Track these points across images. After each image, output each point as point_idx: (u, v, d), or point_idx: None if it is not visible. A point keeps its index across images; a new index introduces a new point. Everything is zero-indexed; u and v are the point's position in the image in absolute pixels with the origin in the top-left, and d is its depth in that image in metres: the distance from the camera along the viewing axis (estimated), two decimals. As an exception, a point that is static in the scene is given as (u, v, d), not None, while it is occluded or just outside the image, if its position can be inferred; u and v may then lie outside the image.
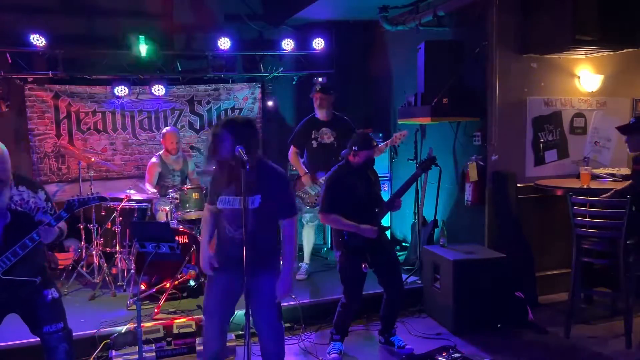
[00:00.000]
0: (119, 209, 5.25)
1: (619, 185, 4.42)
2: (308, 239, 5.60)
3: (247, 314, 2.82)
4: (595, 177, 4.95)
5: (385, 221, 4.24)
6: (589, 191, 4.51)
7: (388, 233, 5.00)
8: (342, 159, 4.10)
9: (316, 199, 5.30)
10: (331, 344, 4.08)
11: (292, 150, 5.44)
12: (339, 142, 5.20)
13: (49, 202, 3.18)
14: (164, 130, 5.78)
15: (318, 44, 6.70)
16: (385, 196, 4.46)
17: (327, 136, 5.31)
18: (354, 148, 3.92)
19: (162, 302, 4.60)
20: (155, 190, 5.36)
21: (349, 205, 3.88)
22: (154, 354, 3.96)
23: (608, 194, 4.22)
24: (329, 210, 3.89)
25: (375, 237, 3.87)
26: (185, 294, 4.92)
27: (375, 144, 4.04)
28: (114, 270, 5.38)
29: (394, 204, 4.06)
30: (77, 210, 3.16)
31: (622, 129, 4.47)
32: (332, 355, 4.00)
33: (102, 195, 3.27)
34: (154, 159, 5.67)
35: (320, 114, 5.31)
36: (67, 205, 3.09)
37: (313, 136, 5.33)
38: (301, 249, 5.77)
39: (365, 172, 4.02)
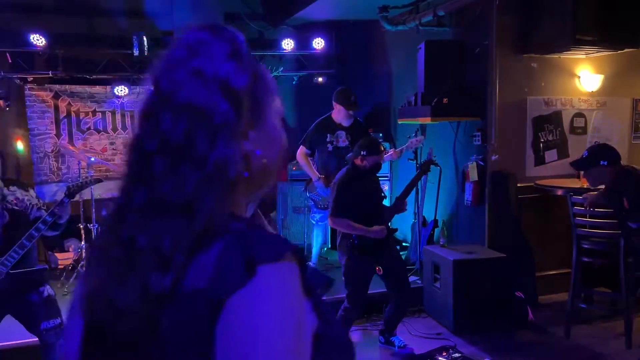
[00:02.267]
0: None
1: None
2: (317, 239, 5.60)
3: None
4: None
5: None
6: (589, 191, 4.50)
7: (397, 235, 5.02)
8: (348, 162, 4.10)
9: (327, 202, 5.30)
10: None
11: (302, 150, 5.33)
12: (353, 145, 5.20)
13: (39, 199, 3.26)
14: None
15: (318, 43, 6.70)
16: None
17: (342, 139, 5.24)
18: (362, 153, 3.92)
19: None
20: None
21: (358, 208, 3.88)
22: (154, 354, 3.96)
23: (596, 193, 4.19)
24: (340, 214, 3.88)
25: (384, 237, 3.88)
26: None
27: (383, 149, 4.05)
28: (114, 270, 5.38)
29: (399, 207, 4.06)
30: (77, 195, 3.28)
31: (576, 165, 4.09)
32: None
33: (98, 177, 3.43)
34: None
35: (340, 120, 5.23)
36: (68, 191, 3.18)
37: (328, 139, 5.23)
38: (309, 249, 5.77)
39: (371, 176, 4.04)
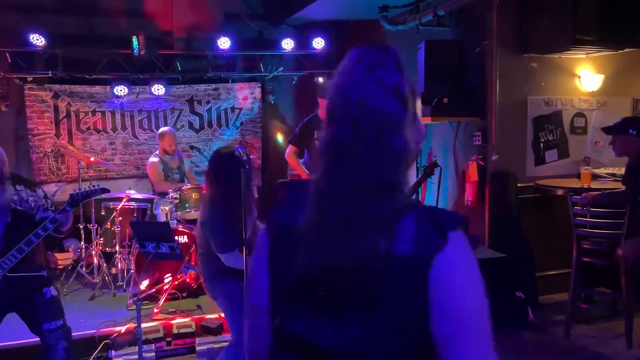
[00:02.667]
0: (118, 209, 5.25)
1: (617, 186, 4.41)
2: None
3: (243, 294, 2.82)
4: (596, 177, 4.95)
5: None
6: (590, 191, 4.50)
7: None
8: None
9: None
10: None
11: (291, 149, 5.43)
12: None
13: (47, 199, 3.21)
14: (162, 131, 5.78)
15: (318, 43, 6.70)
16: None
17: None
18: None
19: (162, 302, 4.60)
20: (171, 188, 5.25)
21: None
22: (153, 354, 3.96)
23: (597, 193, 4.20)
24: None
25: None
26: (185, 294, 4.92)
27: None
28: (113, 270, 5.38)
29: None
30: (81, 203, 3.22)
31: (607, 130, 4.25)
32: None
33: (104, 187, 3.34)
34: (154, 158, 5.68)
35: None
36: (71, 199, 3.13)
37: (316, 136, 5.33)
38: None
39: None
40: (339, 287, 1.05)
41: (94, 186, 3.28)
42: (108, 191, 3.45)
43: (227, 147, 3.45)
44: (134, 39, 5.88)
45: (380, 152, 1.07)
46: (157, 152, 5.75)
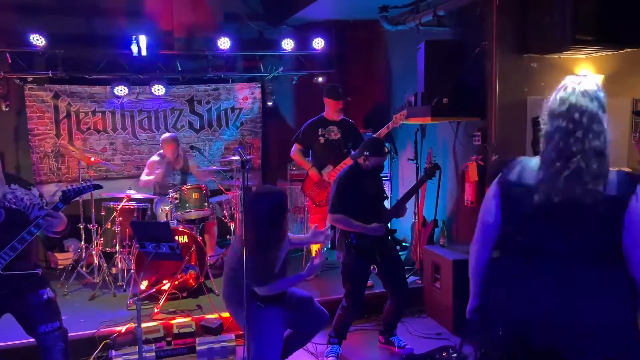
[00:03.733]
0: (119, 209, 5.25)
1: None
2: None
3: (247, 318, 2.82)
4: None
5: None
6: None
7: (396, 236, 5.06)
8: (353, 160, 4.13)
9: (326, 196, 5.33)
10: (329, 347, 4.05)
11: (296, 147, 5.51)
12: (345, 140, 5.37)
13: (42, 198, 3.18)
14: (163, 137, 5.79)
15: (318, 43, 6.70)
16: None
17: (334, 133, 5.40)
18: (365, 153, 3.93)
19: (162, 302, 4.60)
20: (149, 178, 5.43)
21: (358, 206, 3.89)
22: (153, 354, 3.96)
23: None
24: (338, 211, 3.89)
25: (383, 235, 3.88)
26: (185, 294, 4.92)
27: (386, 151, 4.06)
28: (113, 270, 5.38)
29: (399, 210, 4.06)
30: (73, 200, 3.16)
31: (638, 113, 4.31)
32: (330, 359, 3.99)
33: (97, 183, 3.30)
34: (156, 157, 5.72)
35: (331, 116, 5.39)
36: (63, 196, 3.09)
37: (320, 133, 5.40)
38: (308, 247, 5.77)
39: (374, 175, 4.05)
40: (570, 211, 1.92)
41: (86, 182, 3.24)
42: (100, 187, 3.43)
43: (268, 187, 3.42)
44: (135, 40, 5.89)
45: (591, 134, 1.92)
46: (160, 151, 5.78)
